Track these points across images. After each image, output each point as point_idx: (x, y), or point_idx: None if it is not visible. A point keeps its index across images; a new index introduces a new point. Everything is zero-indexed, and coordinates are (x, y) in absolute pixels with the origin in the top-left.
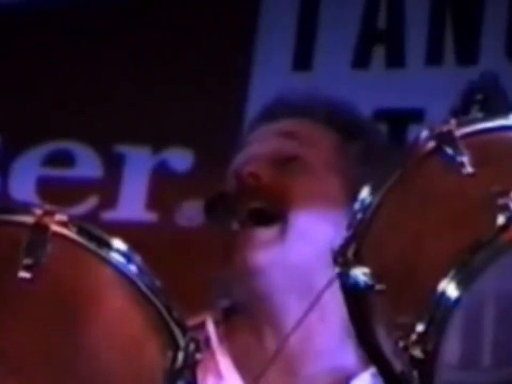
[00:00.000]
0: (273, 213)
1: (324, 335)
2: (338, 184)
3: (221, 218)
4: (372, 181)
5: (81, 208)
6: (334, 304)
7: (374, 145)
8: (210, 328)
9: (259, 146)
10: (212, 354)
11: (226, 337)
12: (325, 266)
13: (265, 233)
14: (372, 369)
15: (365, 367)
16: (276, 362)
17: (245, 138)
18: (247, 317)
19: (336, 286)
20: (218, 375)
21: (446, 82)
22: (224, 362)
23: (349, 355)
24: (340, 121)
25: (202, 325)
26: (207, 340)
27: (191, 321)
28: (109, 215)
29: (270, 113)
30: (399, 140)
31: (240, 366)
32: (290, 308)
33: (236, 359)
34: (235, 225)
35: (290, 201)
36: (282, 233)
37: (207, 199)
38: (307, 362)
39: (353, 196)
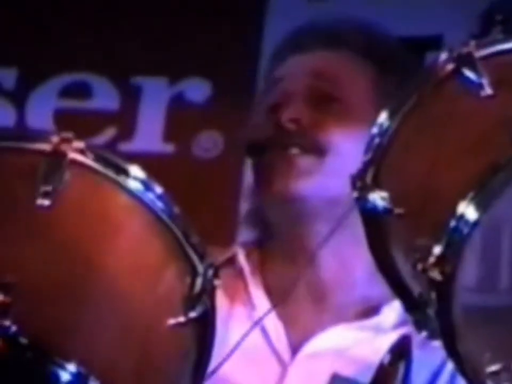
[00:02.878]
0: (312, 148)
1: (357, 265)
2: (376, 118)
3: (262, 158)
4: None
5: (99, 140)
6: None
7: (411, 73)
8: (242, 260)
9: (294, 83)
10: (245, 286)
11: (259, 268)
12: None
13: (303, 161)
14: None
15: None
16: (308, 292)
17: (272, 68)
18: (282, 246)
19: None
20: (251, 306)
21: (464, 8)
22: (257, 293)
23: (379, 284)
24: (379, 53)
25: (233, 259)
26: (240, 272)
27: (222, 255)
28: (126, 146)
29: (301, 43)
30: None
31: (273, 294)
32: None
33: (269, 288)
34: (276, 162)
35: (328, 138)
36: (320, 165)
37: (246, 143)
38: (339, 291)
39: None
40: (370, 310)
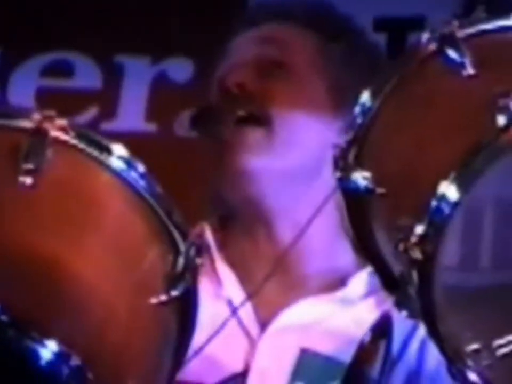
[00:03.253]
0: (260, 118)
1: (317, 234)
2: (324, 87)
3: (209, 129)
4: (366, 83)
5: (81, 119)
6: (328, 204)
7: (358, 45)
8: (209, 236)
9: (241, 53)
10: (211, 262)
11: (224, 244)
12: (312, 172)
13: (253, 136)
14: (369, 268)
15: (361, 266)
16: (270, 266)
17: (226, 46)
18: (242, 222)
19: (330, 186)
20: (218, 282)
21: None
22: (223, 269)
23: (345, 255)
24: (321, 21)
25: (200, 235)
26: (206, 248)
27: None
28: (108, 126)
29: (249, 19)
30: (399, 49)
31: (238, 271)
32: (281, 212)
33: (234, 265)
34: (224, 133)
35: (276, 106)
36: (269, 137)
37: (192, 113)
38: (299, 263)
39: (340, 97)
40: (337, 282)
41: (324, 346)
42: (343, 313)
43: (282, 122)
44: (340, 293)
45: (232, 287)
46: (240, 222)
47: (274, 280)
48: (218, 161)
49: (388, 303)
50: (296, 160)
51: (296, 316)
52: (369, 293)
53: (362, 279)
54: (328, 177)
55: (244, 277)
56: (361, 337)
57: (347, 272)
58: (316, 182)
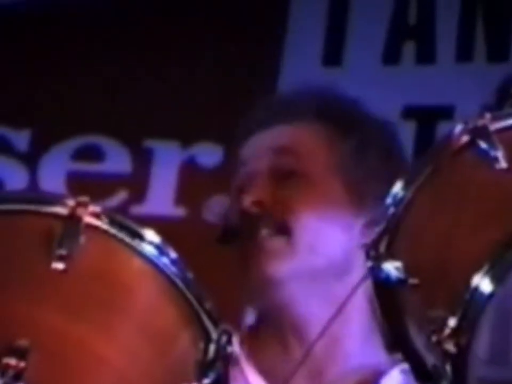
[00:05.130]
0: (280, 228)
1: (347, 336)
2: (341, 187)
3: (234, 247)
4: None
5: (111, 203)
6: (354, 304)
7: (371, 138)
8: (236, 347)
9: (256, 163)
10: (241, 371)
11: (253, 353)
12: (340, 272)
13: (276, 244)
14: (401, 366)
15: (393, 364)
16: (302, 369)
17: (241, 151)
18: (272, 328)
19: (352, 286)
20: None
21: (476, 79)
22: (253, 377)
23: (375, 353)
24: (331, 115)
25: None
26: (235, 358)
27: None
28: (137, 210)
29: (260, 121)
30: (428, 137)
31: (268, 378)
32: (312, 316)
33: (264, 372)
34: (248, 248)
35: (295, 215)
36: (292, 244)
37: (217, 238)
38: (333, 365)
39: (358, 195)
40: (370, 381)
41: None
42: None
43: (303, 229)
44: None
45: None
46: (270, 328)
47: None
48: (243, 271)
49: None
50: (322, 264)
51: None
52: None
53: (395, 378)
54: (357, 277)
55: (273, 382)
56: None
57: (379, 370)
58: (344, 283)
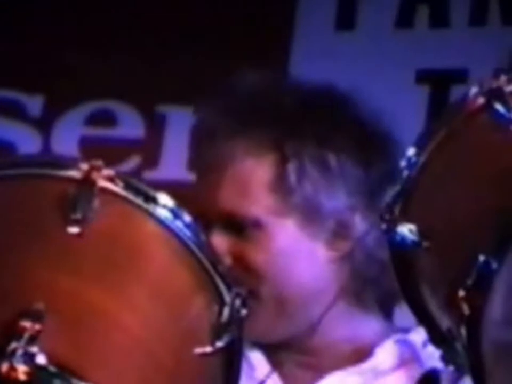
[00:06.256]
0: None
1: (333, 307)
2: (290, 219)
3: None
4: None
5: (124, 168)
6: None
7: (310, 151)
8: None
9: (216, 195)
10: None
11: None
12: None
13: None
14: (396, 336)
15: (388, 334)
16: (299, 349)
17: (205, 153)
18: None
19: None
20: (250, 365)
21: (490, 43)
22: (254, 354)
23: (368, 324)
24: (273, 126)
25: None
26: None
27: None
28: (150, 175)
29: (208, 133)
30: (442, 102)
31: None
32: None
33: (264, 348)
34: None
35: (260, 277)
36: (263, 302)
37: None
38: (322, 333)
39: (311, 213)
40: (364, 352)
41: None
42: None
43: (271, 288)
44: (368, 364)
45: (264, 370)
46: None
47: (299, 359)
48: None
49: (417, 374)
50: (298, 300)
51: None
52: (399, 364)
53: (390, 349)
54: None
55: (274, 360)
56: None
57: (373, 342)
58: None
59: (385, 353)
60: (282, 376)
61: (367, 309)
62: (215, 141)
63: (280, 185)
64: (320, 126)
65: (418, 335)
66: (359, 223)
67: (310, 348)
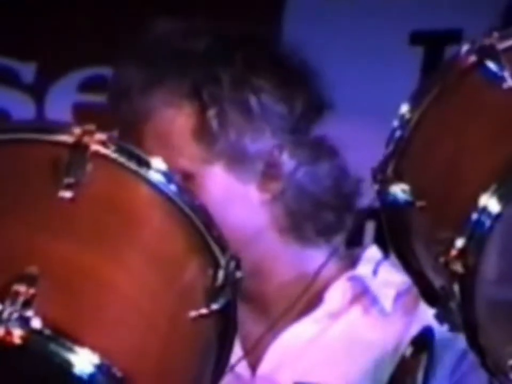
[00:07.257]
0: None
1: (266, 247)
2: (218, 165)
3: None
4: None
5: (116, 134)
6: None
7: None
8: None
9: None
10: None
11: None
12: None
13: None
14: (350, 273)
15: (341, 271)
16: (253, 308)
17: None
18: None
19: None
20: None
21: (484, 2)
22: None
23: (314, 258)
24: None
25: None
26: None
27: None
28: None
29: (122, 90)
30: (436, 63)
31: None
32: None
33: None
34: None
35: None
36: None
37: None
38: (272, 273)
39: (238, 157)
40: (314, 296)
41: (317, 375)
42: (332, 328)
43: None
44: (321, 310)
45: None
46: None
47: (253, 310)
48: None
49: (381, 302)
50: (236, 243)
51: (282, 348)
52: (352, 300)
53: (339, 289)
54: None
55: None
56: (402, 351)
57: (327, 278)
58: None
59: (336, 294)
60: (241, 338)
61: (309, 243)
62: (131, 97)
63: (203, 133)
64: (235, 68)
65: (365, 267)
66: (287, 161)
67: (260, 294)
